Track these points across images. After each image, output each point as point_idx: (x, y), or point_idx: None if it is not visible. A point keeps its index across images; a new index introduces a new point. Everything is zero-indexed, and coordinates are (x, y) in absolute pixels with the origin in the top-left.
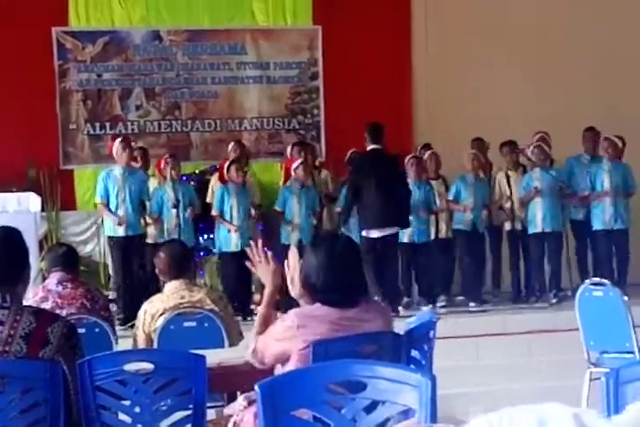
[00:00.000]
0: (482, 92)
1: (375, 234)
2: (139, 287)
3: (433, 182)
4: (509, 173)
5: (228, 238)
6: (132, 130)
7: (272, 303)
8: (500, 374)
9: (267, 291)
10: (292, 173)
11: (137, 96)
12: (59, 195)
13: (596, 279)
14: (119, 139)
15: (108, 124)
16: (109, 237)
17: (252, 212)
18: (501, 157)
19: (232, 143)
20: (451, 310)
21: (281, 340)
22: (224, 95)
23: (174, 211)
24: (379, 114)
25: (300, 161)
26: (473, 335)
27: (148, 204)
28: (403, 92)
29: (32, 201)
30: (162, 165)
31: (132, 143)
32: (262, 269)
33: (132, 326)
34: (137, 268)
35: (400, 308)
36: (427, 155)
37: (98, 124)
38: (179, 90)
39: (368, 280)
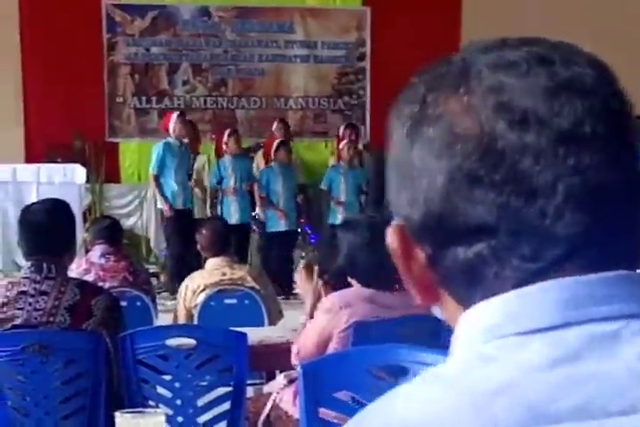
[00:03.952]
0: None
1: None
2: (187, 261)
3: None
4: None
5: (274, 219)
6: (179, 105)
7: (312, 316)
8: None
9: (308, 303)
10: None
11: (184, 71)
12: (103, 167)
13: None
14: (176, 113)
15: (154, 99)
16: (161, 210)
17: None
18: None
19: (276, 122)
20: None
21: (322, 323)
22: (271, 73)
23: (232, 185)
24: None
25: (345, 141)
26: None
27: (205, 178)
28: None
29: (78, 173)
30: (224, 140)
31: None
32: (303, 285)
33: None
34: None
35: None
36: None
37: (144, 98)
38: (226, 66)
39: None
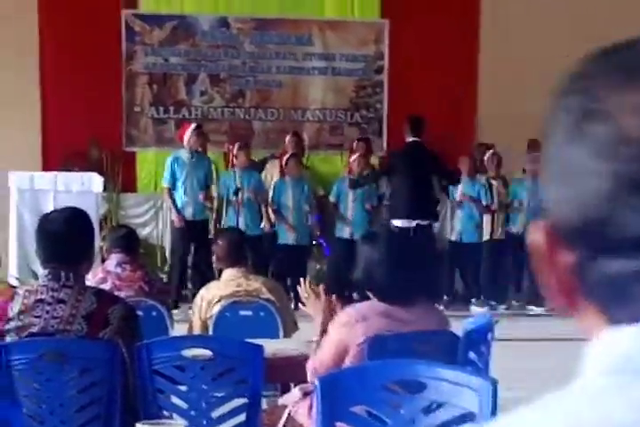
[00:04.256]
0: (548, 93)
1: (401, 224)
2: (196, 273)
3: (493, 182)
4: None
5: (284, 231)
6: (196, 115)
7: (324, 333)
8: (553, 381)
9: (318, 321)
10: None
11: (202, 82)
12: (120, 176)
13: None
14: (194, 125)
15: (172, 109)
16: (172, 221)
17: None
18: None
19: (289, 135)
20: (505, 313)
21: (339, 336)
22: (288, 85)
23: (237, 197)
24: (442, 111)
25: (356, 155)
26: (528, 339)
27: (213, 188)
28: (468, 89)
29: (95, 181)
30: (234, 152)
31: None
32: (312, 304)
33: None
34: (200, 253)
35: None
36: (487, 154)
37: (162, 108)
38: (243, 78)
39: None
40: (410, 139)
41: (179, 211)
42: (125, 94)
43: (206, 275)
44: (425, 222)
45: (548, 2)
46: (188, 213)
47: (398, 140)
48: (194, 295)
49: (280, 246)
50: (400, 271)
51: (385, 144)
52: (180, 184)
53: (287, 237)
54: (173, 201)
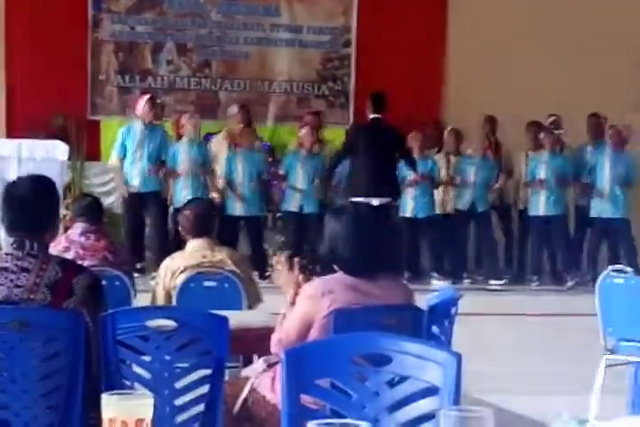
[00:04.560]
0: (515, 67)
1: (366, 201)
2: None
3: (452, 158)
4: (529, 153)
5: (233, 202)
6: (162, 85)
7: (294, 305)
8: (513, 356)
9: (290, 293)
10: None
11: (168, 51)
12: (84, 145)
13: (618, 266)
14: (146, 97)
15: (137, 77)
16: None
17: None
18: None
19: (235, 107)
20: (469, 288)
21: (304, 309)
22: (255, 56)
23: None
24: (408, 84)
25: (306, 128)
26: (489, 314)
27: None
28: (434, 64)
29: (59, 149)
30: (182, 122)
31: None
32: (283, 277)
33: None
34: (152, 225)
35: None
36: (446, 130)
37: (127, 77)
38: (210, 48)
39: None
40: (372, 116)
41: (125, 180)
42: (91, 62)
43: (161, 246)
44: (386, 201)
45: None
46: (137, 184)
47: (364, 114)
48: (147, 266)
49: (228, 217)
50: (366, 245)
51: (351, 117)
52: (129, 155)
53: (235, 207)
54: (121, 172)
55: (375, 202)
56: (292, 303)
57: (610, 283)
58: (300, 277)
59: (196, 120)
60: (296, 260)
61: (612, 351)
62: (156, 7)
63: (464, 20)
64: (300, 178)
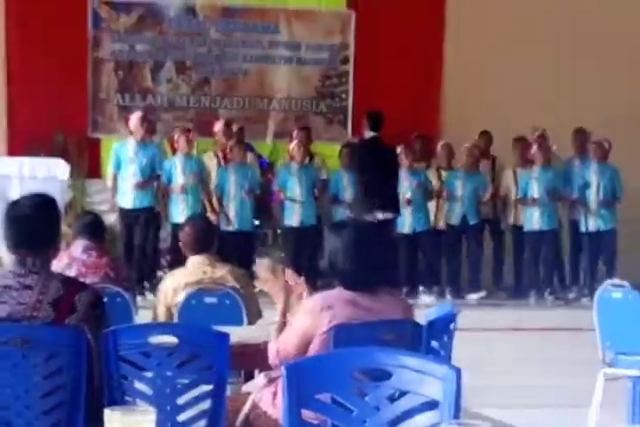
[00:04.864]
0: (514, 83)
1: (371, 218)
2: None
3: (443, 172)
4: (517, 169)
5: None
6: (161, 103)
7: (285, 313)
8: (511, 370)
9: (280, 301)
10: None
11: (168, 69)
12: (85, 163)
13: (616, 281)
14: (138, 113)
15: (137, 96)
16: (120, 208)
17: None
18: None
19: (220, 124)
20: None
21: (304, 324)
22: (254, 74)
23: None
24: (406, 102)
25: (295, 142)
26: (485, 329)
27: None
28: (432, 81)
29: (60, 168)
30: (175, 138)
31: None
32: (271, 284)
33: None
34: (142, 240)
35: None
36: (439, 145)
37: (128, 95)
38: (209, 66)
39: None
40: (369, 134)
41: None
42: (91, 81)
43: (153, 262)
44: (389, 216)
45: None
46: (130, 200)
47: (363, 130)
48: (140, 281)
49: (221, 233)
50: (365, 260)
51: (350, 133)
52: (122, 172)
53: (225, 224)
54: (115, 188)
55: (380, 217)
56: (284, 312)
57: (608, 297)
58: (300, 287)
59: (190, 136)
60: (280, 267)
61: (611, 365)
62: (156, 26)
63: (462, 37)
64: (296, 190)
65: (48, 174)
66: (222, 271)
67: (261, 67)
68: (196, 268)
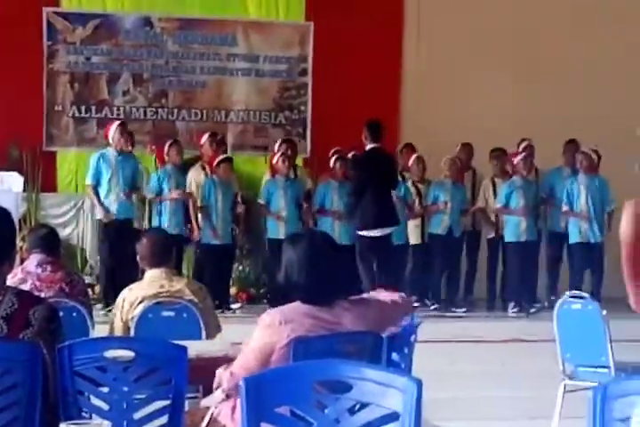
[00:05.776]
0: (471, 95)
1: (375, 233)
2: (124, 272)
3: (419, 185)
4: (496, 180)
5: (208, 232)
6: (118, 115)
7: None
8: (473, 382)
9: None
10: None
11: (124, 81)
12: (40, 176)
13: (576, 292)
14: (117, 123)
15: (93, 108)
16: (99, 220)
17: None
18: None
19: (207, 135)
20: (429, 315)
21: (264, 339)
22: (212, 86)
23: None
24: (365, 113)
25: (279, 154)
26: (448, 341)
27: (145, 187)
28: (391, 92)
29: (15, 181)
30: (165, 150)
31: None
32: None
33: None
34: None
35: None
36: (412, 159)
37: (83, 108)
38: (167, 78)
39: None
40: (371, 145)
41: (105, 207)
42: (46, 93)
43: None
44: (390, 230)
45: (470, 6)
46: (114, 211)
47: (322, 142)
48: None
49: (204, 246)
50: (321, 273)
51: (309, 146)
52: (104, 182)
53: (210, 237)
54: (98, 198)
55: (384, 232)
56: None
57: (567, 309)
58: None
59: (179, 147)
60: None
61: (571, 377)
62: (112, 38)
63: (421, 49)
64: (281, 203)
65: (1, 187)
66: (180, 285)
67: (219, 79)
68: (153, 281)
